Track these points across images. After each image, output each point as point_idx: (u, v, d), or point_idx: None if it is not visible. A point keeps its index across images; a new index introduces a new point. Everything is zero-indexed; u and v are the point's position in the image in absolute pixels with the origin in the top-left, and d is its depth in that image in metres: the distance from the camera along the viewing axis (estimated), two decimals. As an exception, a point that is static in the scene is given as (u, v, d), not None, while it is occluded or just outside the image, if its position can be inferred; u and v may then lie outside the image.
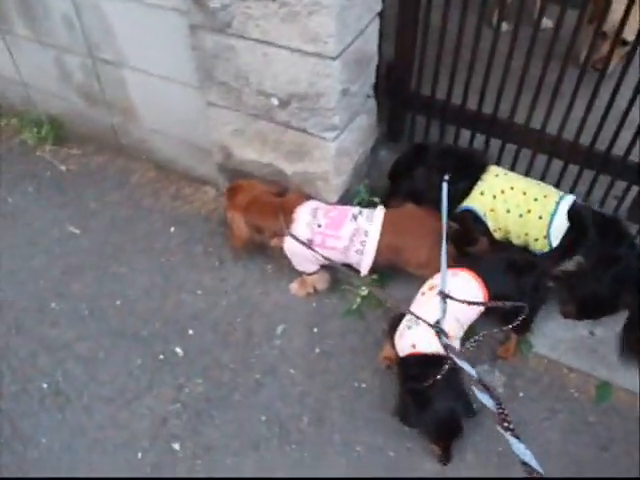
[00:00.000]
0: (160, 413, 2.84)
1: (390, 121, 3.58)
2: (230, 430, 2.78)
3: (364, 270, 2.92)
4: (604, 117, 2.98)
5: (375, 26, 2.89)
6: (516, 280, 2.67)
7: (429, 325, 2.34)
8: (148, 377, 2.96)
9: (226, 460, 2.69)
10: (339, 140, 2.95)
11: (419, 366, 2.49)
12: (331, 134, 2.88)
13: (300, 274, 3.14)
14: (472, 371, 2.08)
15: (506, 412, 1.79)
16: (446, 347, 2.19)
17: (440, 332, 2.26)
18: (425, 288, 2.67)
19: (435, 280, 2.64)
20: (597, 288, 2.83)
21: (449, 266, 2.66)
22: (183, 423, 2.81)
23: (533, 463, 1.57)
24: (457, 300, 2.51)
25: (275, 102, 2.86)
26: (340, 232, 2.87)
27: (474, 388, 2.03)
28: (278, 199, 3.04)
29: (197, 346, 3.05)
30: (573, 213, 2.78)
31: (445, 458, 2.59)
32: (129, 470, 2.69)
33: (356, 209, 2.97)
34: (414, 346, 2.49)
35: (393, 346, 2.64)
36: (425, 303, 2.59)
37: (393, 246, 2.86)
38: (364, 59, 2.87)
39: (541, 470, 1.53)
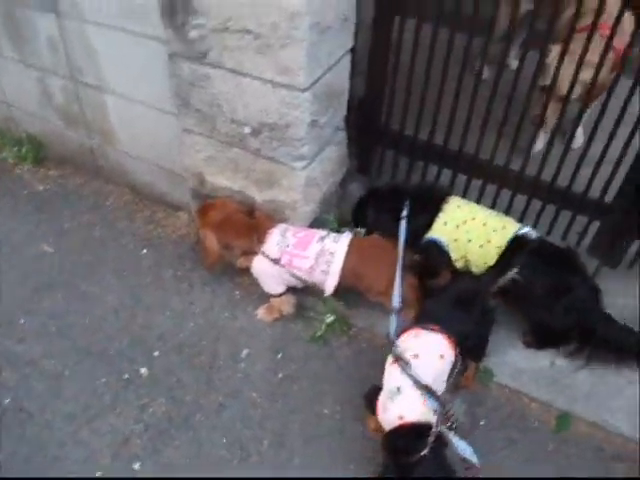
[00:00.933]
0: (122, 432, 2.86)
1: (360, 154, 3.64)
2: (191, 450, 2.79)
3: (329, 290, 2.98)
4: (564, 154, 3.09)
5: (346, 61, 2.98)
6: (467, 313, 2.69)
7: (387, 338, 2.36)
8: (112, 396, 2.97)
9: (185, 480, 2.71)
10: (308, 170, 3.02)
11: (407, 438, 2.38)
12: (300, 164, 2.95)
13: (267, 300, 3.19)
14: (419, 377, 2.15)
15: (450, 413, 1.86)
16: (397, 358, 2.25)
17: (391, 341, 2.31)
18: (393, 359, 2.57)
19: (401, 347, 2.54)
20: (549, 317, 2.91)
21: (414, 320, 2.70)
22: (144, 443, 2.82)
23: (474, 459, 1.66)
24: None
25: (247, 131, 2.93)
26: (306, 252, 2.94)
27: (419, 392, 2.10)
28: (251, 219, 3.10)
29: (162, 367, 3.08)
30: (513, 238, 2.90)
31: None
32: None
33: (324, 232, 3.04)
34: (401, 417, 2.38)
35: (374, 412, 2.55)
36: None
37: (356, 271, 2.93)
38: (334, 92, 2.96)
39: (478, 465, 1.62)
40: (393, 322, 2.62)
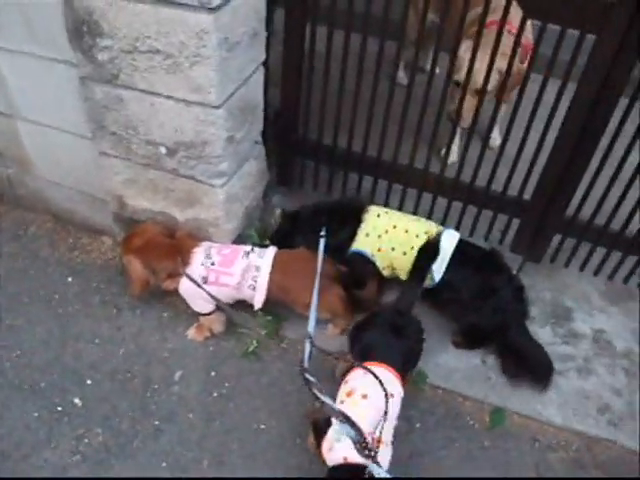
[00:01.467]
0: (59, 465, 2.78)
1: (280, 166, 3.66)
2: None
3: (257, 304, 2.99)
4: (481, 155, 3.15)
5: (259, 75, 2.98)
6: (404, 337, 2.70)
7: (299, 369, 2.35)
8: (46, 430, 2.90)
9: (126, 510, 2.66)
10: (228, 186, 3.01)
11: (348, 476, 2.36)
12: (219, 181, 2.94)
13: (197, 319, 3.17)
14: (334, 405, 2.16)
15: (367, 441, 1.87)
16: (308, 383, 2.26)
17: (304, 372, 2.31)
18: (343, 396, 2.51)
19: (350, 385, 2.53)
20: (477, 318, 2.98)
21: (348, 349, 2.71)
22: (82, 474, 2.76)
23: None
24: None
25: (163, 151, 2.91)
26: (232, 269, 2.93)
27: (335, 420, 2.10)
28: (173, 240, 3.07)
29: (96, 395, 3.02)
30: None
31: None
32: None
33: (248, 247, 3.04)
34: (345, 459, 2.34)
35: (319, 445, 2.49)
36: (349, 411, 2.41)
37: (282, 285, 2.94)
38: (249, 107, 2.95)
39: None
40: (307, 349, 2.58)
